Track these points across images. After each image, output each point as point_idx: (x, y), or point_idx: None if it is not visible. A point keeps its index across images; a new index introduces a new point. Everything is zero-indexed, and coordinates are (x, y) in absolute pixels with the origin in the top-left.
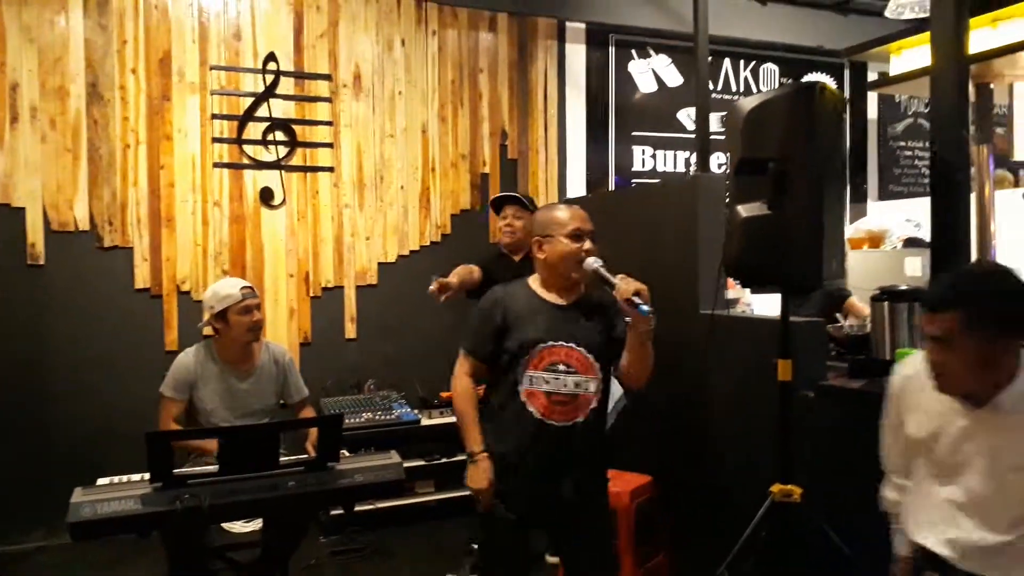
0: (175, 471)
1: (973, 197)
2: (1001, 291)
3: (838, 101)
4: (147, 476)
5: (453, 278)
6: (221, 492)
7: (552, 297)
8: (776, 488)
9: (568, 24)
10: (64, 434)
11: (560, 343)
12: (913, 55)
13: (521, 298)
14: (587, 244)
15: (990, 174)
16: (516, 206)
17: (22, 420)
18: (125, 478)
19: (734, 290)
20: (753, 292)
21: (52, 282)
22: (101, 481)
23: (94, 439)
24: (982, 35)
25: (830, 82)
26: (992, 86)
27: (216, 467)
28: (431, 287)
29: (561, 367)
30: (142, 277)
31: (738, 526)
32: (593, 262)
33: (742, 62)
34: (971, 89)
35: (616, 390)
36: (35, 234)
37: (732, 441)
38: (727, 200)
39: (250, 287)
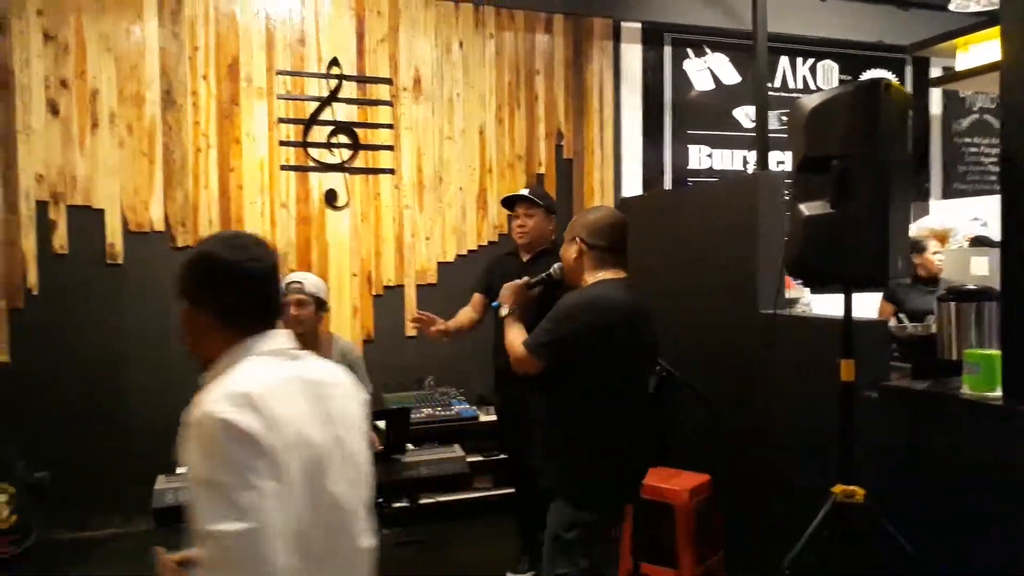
0: None
1: None
2: None
3: (904, 98)
4: None
5: (451, 323)
6: None
7: None
8: (838, 488)
9: (623, 24)
10: (140, 427)
11: None
12: (981, 50)
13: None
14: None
15: None
16: (526, 204)
17: (101, 412)
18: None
19: (793, 290)
20: (813, 292)
21: (129, 281)
22: (181, 470)
23: (168, 432)
24: None
25: (891, 78)
26: None
27: None
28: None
29: None
30: None
31: (798, 526)
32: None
33: (800, 59)
34: None
35: None
36: (114, 234)
37: (793, 441)
38: (788, 199)
39: (298, 283)
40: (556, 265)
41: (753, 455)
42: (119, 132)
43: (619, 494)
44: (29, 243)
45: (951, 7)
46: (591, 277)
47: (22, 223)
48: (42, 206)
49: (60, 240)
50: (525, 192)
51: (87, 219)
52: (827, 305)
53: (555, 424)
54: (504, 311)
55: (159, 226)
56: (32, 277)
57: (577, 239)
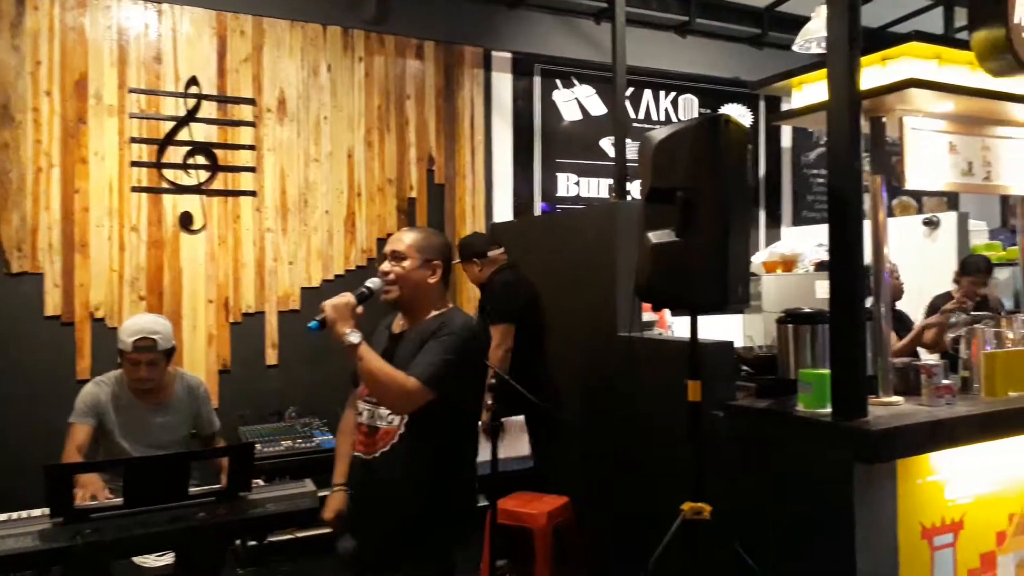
0: (78, 505)
1: (868, 224)
2: None
3: (743, 133)
4: (47, 511)
5: None
6: (126, 525)
7: (398, 325)
8: (687, 506)
9: (494, 53)
10: None
11: None
12: (814, 90)
13: (383, 326)
14: (383, 265)
15: (884, 202)
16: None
17: None
18: (24, 514)
19: (650, 313)
20: (674, 315)
21: None
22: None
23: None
24: (873, 73)
25: (746, 113)
26: (884, 120)
27: (119, 500)
28: None
29: (370, 398)
30: (53, 303)
31: (654, 545)
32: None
33: (663, 92)
34: (866, 123)
35: (524, 449)
36: None
37: (648, 461)
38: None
39: (150, 339)
40: (375, 280)
41: (613, 475)
42: None
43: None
44: None
45: (794, 48)
46: (442, 303)
47: None
48: None
49: None
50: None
51: None
52: (685, 329)
53: (433, 464)
54: (355, 338)
55: None
56: None
57: (437, 263)
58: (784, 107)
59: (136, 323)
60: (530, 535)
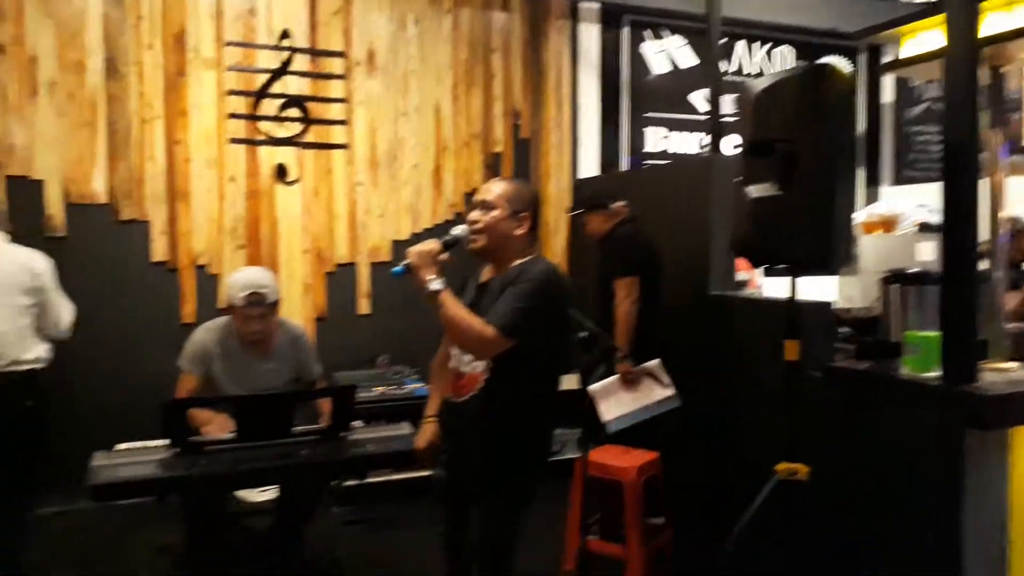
0: (192, 439)
1: (984, 183)
2: None
3: (847, 82)
4: (165, 442)
5: None
6: (236, 459)
7: (485, 275)
8: (782, 466)
9: (581, 4)
10: (82, 403)
11: None
12: (927, 37)
13: (474, 276)
14: (471, 214)
15: (1001, 159)
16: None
17: None
18: (144, 444)
19: (744, 272)
20: (768, 275)
21: (71, 254)
22: (120, 447)
23: (111, 409)
24: (997, 18)
25: (845, 65)
26: (1005, 71)
27: (232, 435)
28: None
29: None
30: (159, 250)
31: (744, 504)
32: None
33: (757, 44)
34: (985, 73)
35: (661, 392)
36: (54, 206)
37: (740, 420)
38: (738, 181)
39: (260, 293)
40: (462, 228)
41: (704, 433)
42: (59, 101)
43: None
44: None
45: None
46: (527, 254)
47: None
48: None
49: None
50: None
51: (25, 190)
52: (782, 290)
53: (511, 407)
54: (438, 284)
55: (102, 198)
56: None
57: (526, 214)
58: (889, 59)
59: (245, 277)
60: (620, 488)
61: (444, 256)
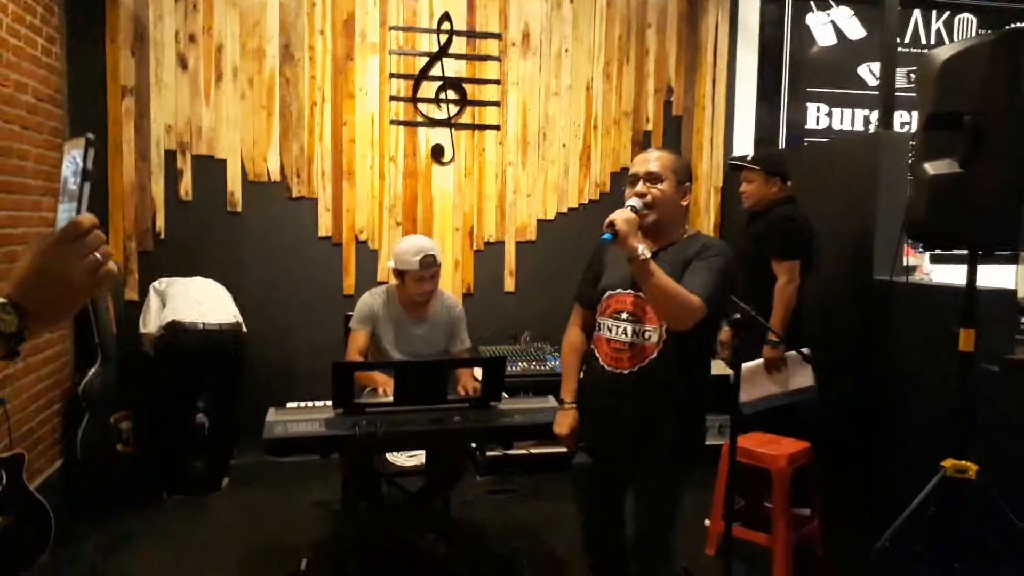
0: (356, 400)
1: None
2: None
3: None
4: (329, 403)
5: None
6: (395, 421)
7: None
8: (949, 463)
9: None
10: (258, 365)
11: (628, 291)
12: None
13: (608, 253)
14: (638, 187)
15: None
16: (745, 171)
17: None
18: (312, 403)
19: (912, 257)
20: (934, 261)
21: (247, 228)
22: (290, 405)
23: (280, 370)
24: None
25: None
26: None
27: (391, 399)
28: None
29: (624, 315)
30: (325, 226)
31: (902, 500)
32: (628, 203)
33: (934, 12)
34: None
35: (802, 381)
36: (234, 184)
37: (904, 412)
38: (912, 159)
39: (432, 255)
40: (637, 201)
41: (862, 424)
42: (241, 85)
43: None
44: (158, 189)
45: None
46: (690, 227)
47: (152, 170)
48: (170, 155)
49: (186, 187)
50: (740, 159)
51: (210, 168)
52: (952, 277)
53: (680, 381)
54: (647, 252)
55: (275, 176)
56: (160, 221)
57: (688, 186)
58: None
59: (415, 243)
60: (768, 476)
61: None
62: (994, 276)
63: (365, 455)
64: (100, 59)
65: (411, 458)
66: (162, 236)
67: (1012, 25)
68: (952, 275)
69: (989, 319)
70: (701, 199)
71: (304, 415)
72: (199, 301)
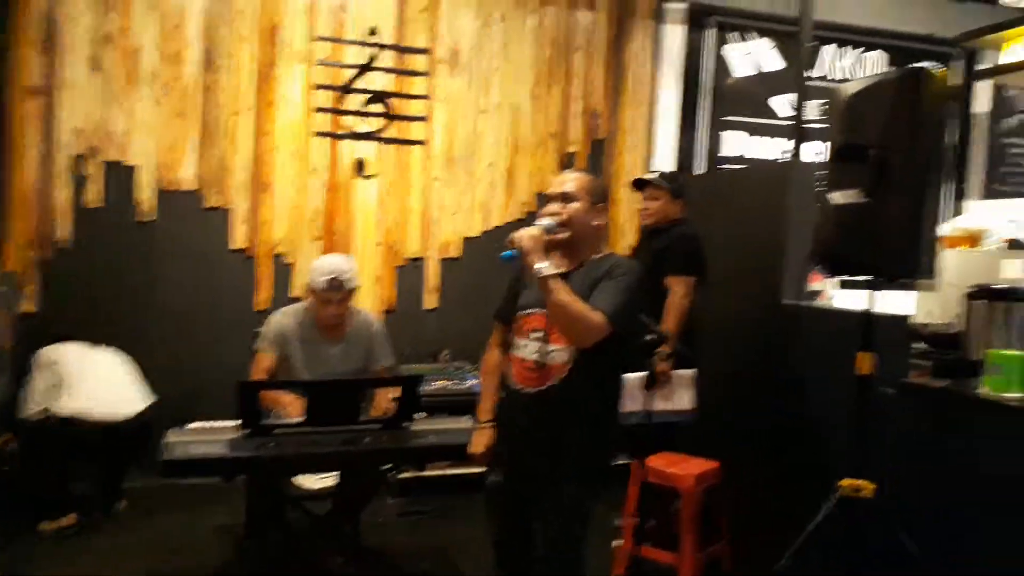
0: (263, 421)
1: None
2: None
3: (945, 89)
4: (235, 423)
5: None
6: (304, 442)
7: (558, 267)
8: (846, 482)
9: (668, 4)
10: (161, 381)
11: (540, 310)
12: None
13: (518, 276)
14: (553, 206)
15: None
16: (650, 186)
17: None
18: (215, 424)
19: (817, 282)
20: (840, 288)
21: (159, 238)
22: (191, 425)
23: (186, 387)
24: None
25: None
26: None
27: (301, 419)
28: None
29: (535, 334)
30: (239, 238)
31: (804, 519)
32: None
33: (847, 49)
34: None
35: (683, 403)
36: (146, 191)
37: (805, 433)
38: (821, 187)
39: (341, 280)
40: (551, 221)
41: (766, 445)
42: (158, 91)
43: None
44: (63, 196)
45: (1002, 1)
46: (604, 248)
47: (58, 175)
48: (78, 160)
49: (94, 194)
50: (650, 175)
51: (122, 175)
52: (855, 302)
53: (590, 401)
54: (550, 268)
55: (191, 185)
56: (65, 230)
57: (604, 207)
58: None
59: (329, 263)
60: (676, 496)
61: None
62: (893, 302)
63: (272, 478)
64: (2, 57)
65: (320, 480)
66: (66, 245)
67: (917, 63)
68: (852, 300)
69: (887, 343)
70: (621, 221)
71: (206, 436)
72: (99, 386)
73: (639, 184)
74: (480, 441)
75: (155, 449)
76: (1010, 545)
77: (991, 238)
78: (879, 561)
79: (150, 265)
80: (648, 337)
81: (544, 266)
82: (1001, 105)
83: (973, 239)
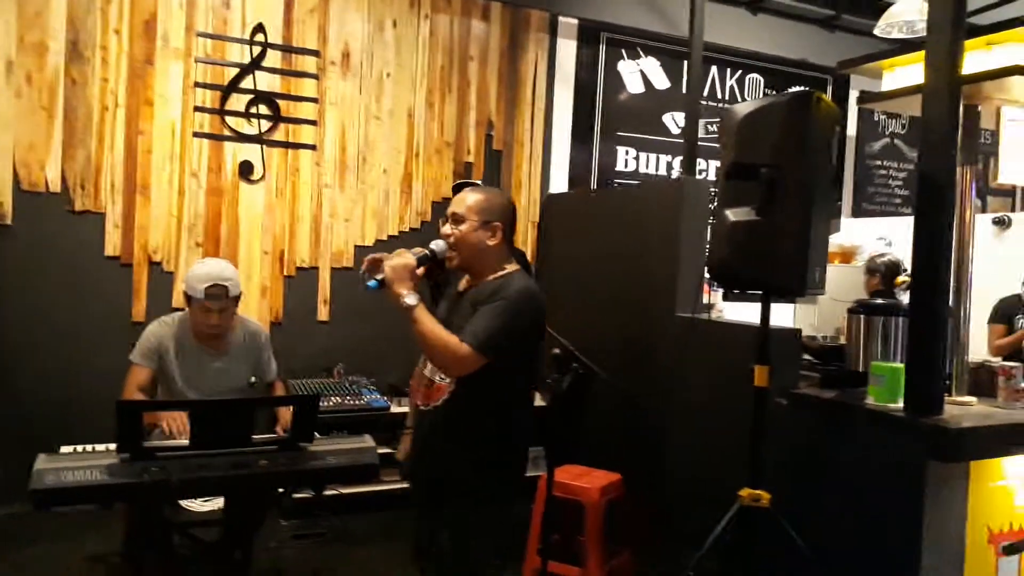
0: (145, 444)
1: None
2: None
3: (833, 112)
4: (112, 446)
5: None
6: (190, 467)
7: (463, 284)
8: (745, 492)
9: (561, 19)
10: (27, 400)
11: None
12: (906, 72)
13: (455, 281)
14: (445, 227)
15: (971, 197)
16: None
17: None
18: (90, 447)
19: (709, 296)
20: (726, 299)
21: (18, 243)
22: (65, 449)
23: (56, 407)
24: (976, 57)
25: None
26: (980, 108)
27: (186, 441)
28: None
29: None
30: (112, 244)
31: (705, 529)
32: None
33: (729, 70)
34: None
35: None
36: (3, 193)
37: (703, 444)
38: (715, 204)
39: (223, 286)
40: (440, 243)
41: (665, 456)
42: (16, 82)
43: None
44: None
45: (876, 32)
46: (506, 266)
47: None
48: None
49: None
50: (477, 181)
51: None
52: (740, 313)
53: (474, 422)
54: (412, 299)
55: (55, 187)
56: None
57: (497, 224)
58: (855, 94)
59: (207, 269)
60: (581, 509)
61: (420, 271)
62: (783, 315)
63: (156, 504)
64: None
65: (207, 502)
66: None
67: (793, 88)
68: (740, 312)
69: (777, 356)
70: (519, 233)
71: (82, 461)
72: None
73: (458, 189)
74: (402, 448)
75: None
76: (894, 549)
77: (862, 254)
78: (778, 567)
79: (10, 273)
80: (555, 351)
81: (406, 297)
82: (868, 129)
83: (846, 255)
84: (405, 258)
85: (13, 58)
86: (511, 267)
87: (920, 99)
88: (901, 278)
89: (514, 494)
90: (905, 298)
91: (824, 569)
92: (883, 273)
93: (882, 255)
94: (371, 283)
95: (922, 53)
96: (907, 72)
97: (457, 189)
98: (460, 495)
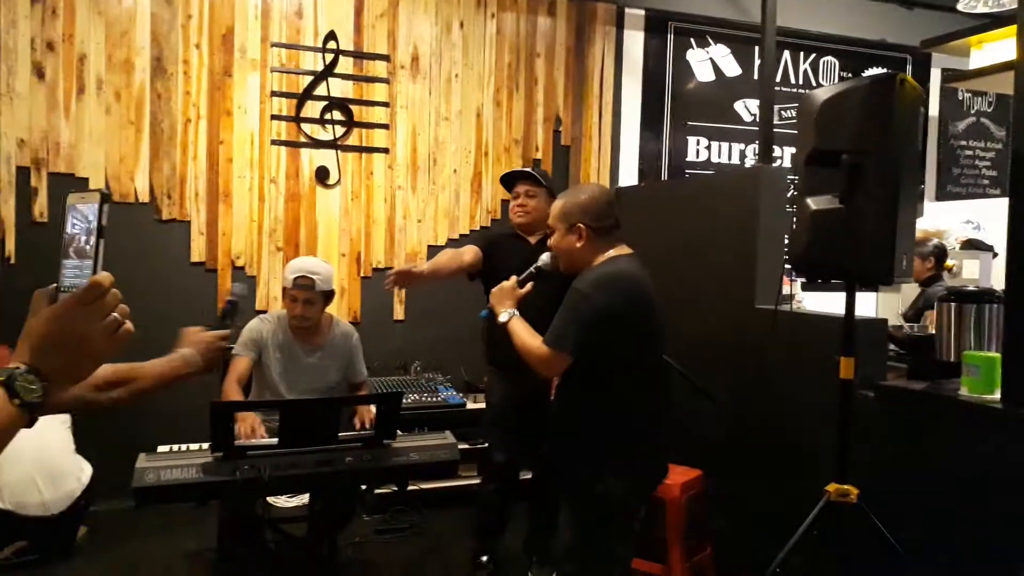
0: (237, 443)
1: None
2: None
3: (917, 94)
4: (206, 446)
5: (425, 266)
6: (280, 464)
7: None
8: (832, 487)
9: (627, 10)
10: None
11: None
12: (995, 49)
13: None
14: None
15: None
16: (529, 182)
17: None
18: (186, 447)
19: (788, 287)
20: (805, 289)
21: (111, 252)
22: (162, 448)
23: (151, 409)
24: None
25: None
26: None
27: (265, 440)
28: (387, 280)
29: None
30: (198, 250)
31: (790, 524)
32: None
33: (802, 54)
34: None
35: None
36: None
37: (787, 439)
38: (794, 193)
39: (309, 277)
40: (545, 256)
41: (747, 451)
42: (106, 99)
43: (653, 476)
44: (8, 210)
45: (959, 7)
46: (601, 258)
47: (1, 189)
48: (23, 172)
49: (41, 208)
50: (528, 169)
51: (70, 187)
52: (820, 304)
53: (588, 416)
54: (504, 316)
55: (144, 197)
56: (10, 244)
57: (579, 225)
58: (936, 73)
59: (301, 263)
60: (662, 506)
61: (523, 291)
62: (866, 304)
63: (247, 501)
64: None
65: (291, 499)
66: (12, 260)
67: (870, 70)
68: (821, 303)
69: (863, 347)
70: None
71: (178, 460)
72: (38, 471)
73: (512, 178)
74: None
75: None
76: (992, 542)
77: (948, 238)
78: (866, 565)
79: None
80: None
81: (501, 316)
82: (952, 109)
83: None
84: (510, 283)
85: (103, 76)
86: (614, 252)
87: (1012, 76)
88: (950, 262)
89: (623, 493)
90: (953, 283)
91: (917, 567)
92: (937, 257)
93: (928, 240)
94: (482, 313)
95: (1013, 28)
96: (995, 48)
97: (507, 179)
98: (567, 490)
